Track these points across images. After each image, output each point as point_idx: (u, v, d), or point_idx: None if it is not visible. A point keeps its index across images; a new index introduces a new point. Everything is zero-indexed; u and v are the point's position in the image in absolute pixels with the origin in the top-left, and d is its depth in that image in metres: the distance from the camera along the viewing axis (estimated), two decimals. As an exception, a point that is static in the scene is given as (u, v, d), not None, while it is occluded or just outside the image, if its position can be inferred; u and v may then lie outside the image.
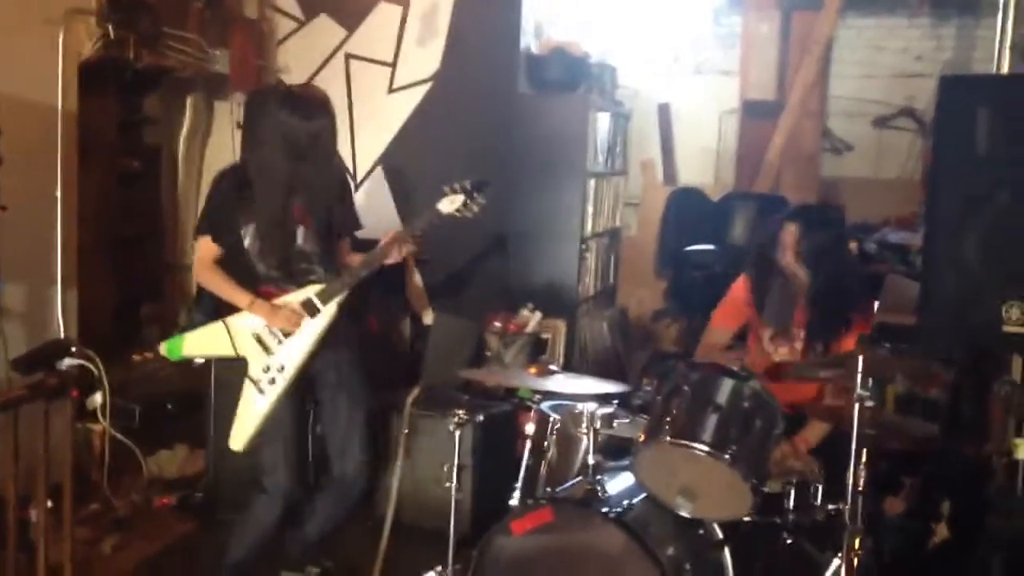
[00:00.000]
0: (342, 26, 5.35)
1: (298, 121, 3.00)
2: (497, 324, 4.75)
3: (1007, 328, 2.64)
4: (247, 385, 3.10)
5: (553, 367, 3.09)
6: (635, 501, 2.69)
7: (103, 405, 3.50)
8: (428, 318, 4.97)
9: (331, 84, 5.18)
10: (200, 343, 3.20)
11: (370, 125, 5.30)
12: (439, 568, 3.01)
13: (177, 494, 4.01)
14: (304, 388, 3.18)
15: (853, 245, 4.65)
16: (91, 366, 2.93)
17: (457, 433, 3.02)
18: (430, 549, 3.09)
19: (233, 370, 3.18)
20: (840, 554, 2.51)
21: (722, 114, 6.82)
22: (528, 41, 5.31)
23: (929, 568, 3.35)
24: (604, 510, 2.60)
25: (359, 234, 3.40)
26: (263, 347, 3.10)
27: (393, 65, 5.29)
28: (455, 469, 3.00)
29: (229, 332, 3.12)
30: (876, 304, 3.09)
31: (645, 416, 2.85)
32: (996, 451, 2.97)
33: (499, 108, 5.11)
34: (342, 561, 3.44)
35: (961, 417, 3.49)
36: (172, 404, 4.28)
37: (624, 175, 6.22)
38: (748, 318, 3.41)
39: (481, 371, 4.22)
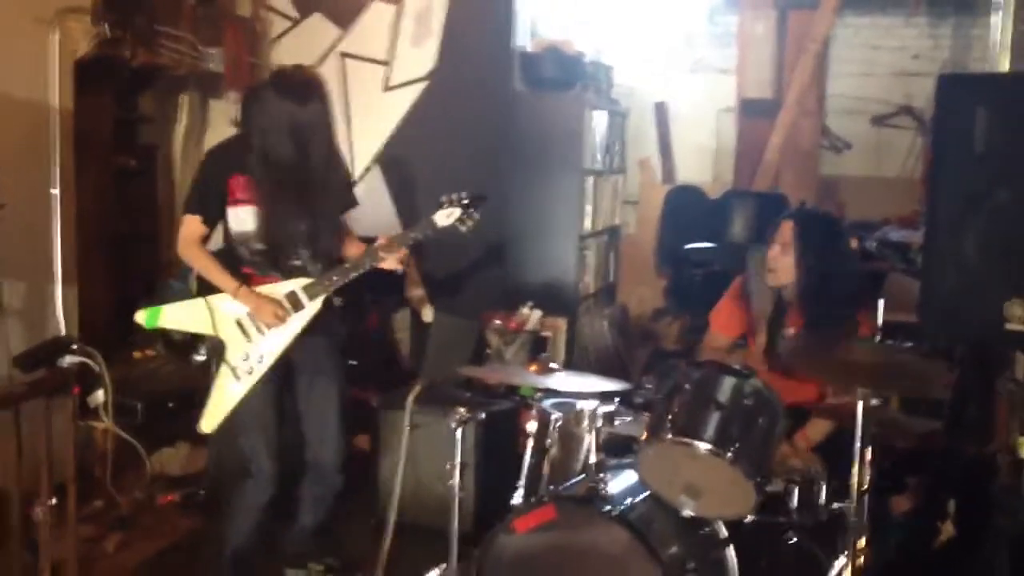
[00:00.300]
0: (336, 24, 5.35)
1: (291, 104, 3.01)
2: (497, 322, 4.75)
3: (1009, 326, 2.64)
4: (223, 369, 3.11)
5: (554, 364, 3.09)
6: (638, 499, 2.68)
7: (105, 403, 3.49)
8: (428, 316, 4.97)
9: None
10: (178, 317, 3.19)
11: (366, 124, 5.30)
12: (442, 566, 3.00)
13: (180, 491, 4.01)
14: (281, 373, 3.19)
15: (854, 243, 4.65)
16: (92, 363, 2.92)
17: (459, 431, 3.01)
18: (433, 547, 3.08)
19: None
20: (845, 553, 2.52)
21: (719, 112, 6.83)
22: (523, 40, 5.30)
23: (935, 567, 3.35)
24: (607, 508, 2.59)
25: (358, 233, 3.41)
26: (244, 333, 3.11)
27: (388, 64, 5.29)
28: (457, 467, 2.99)
29: (211, 312, 3.11)
30: (881, 304, 3.07)
31: (647, 414, 2.85)
32: (1000, 449, 2.97)
33: (495, 106, 5.10)
34: (345, 559, 3.45)
35: (965, 416, 3.50)
36: (174, 402, 4.26)
37: (622, 173, 6.22)
38: (746, 321, 3.40)
39: (483, 368, 4.21)
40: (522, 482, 2.95)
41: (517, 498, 2.91)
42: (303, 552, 3.41)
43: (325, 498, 3.37)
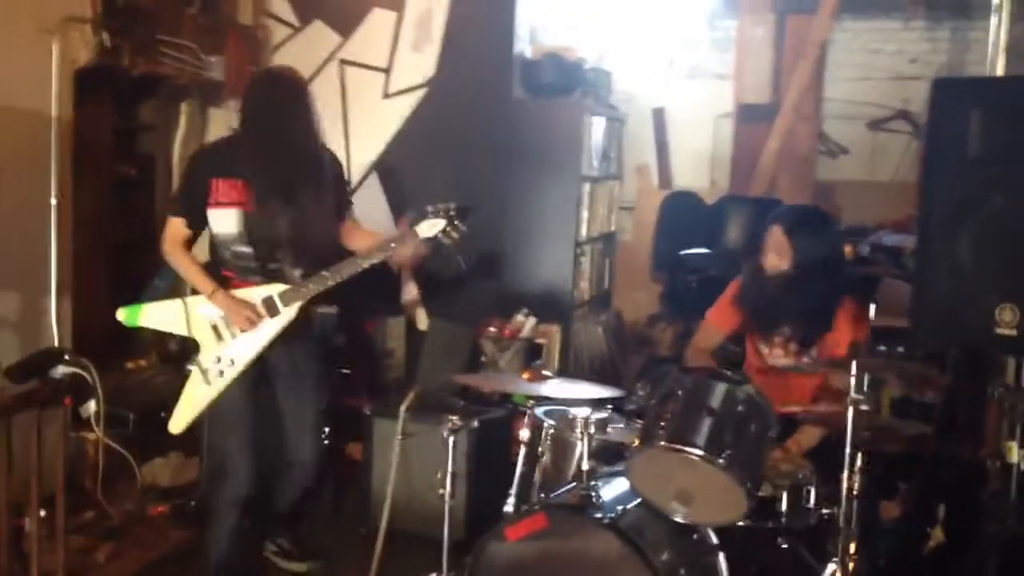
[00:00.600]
0: (337, 32, 5.37)
1: (271, 104, 3.04)
2: (492, 329, 4.75)
3: (999, 331, 2.64)
4: (195, 371, 3.14)
5: (547, 372, 3.09)
6: (630, 506, 2.68)
7: (97, 413, 3.49)
8: (423, 324, 4.96)
9: (326, 90, 5.21)
10: (156, 316, 3.24)
11: (365, 131, 5.31)
12: (433, 575, 3.01)
13: (171, 502, 4.00)
14: (258, 375, 3.21)
15: (848, 250, 4.63)
16: (85, 374, 2.92)
17: (451, 439, 3.01)
18: (424, 555, 3.08)
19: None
20: (835, 558, 2.51)
21: (717, 118, 6.82)
22: (522, 46, 5.31)
23: (924, 572, 3.35)
24: (598, 516, 2.59)
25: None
26: (217, 336, 3.13)
27: (388, 71, 5.30)
28: (449, 475, 2.99)
29: (187, 313, 3.16)
30: (872, 308, 3.06)
31: (639, 421, 2.85)
32: (991, 455, 2.96)
33: (494, 113, 5.11)
34: (336, 568, 3.45)
35: (956, 421, 3.49)
36: (166, 412, 4.25)
37: (619, 179, 6.22)
38: (739, 322, 3.40)
39: (476, 376, 4.21)
40: (514, 490, 2.95)
41: (509, 506, 2.91)
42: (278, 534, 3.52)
43: (302, 495, 3.46)
